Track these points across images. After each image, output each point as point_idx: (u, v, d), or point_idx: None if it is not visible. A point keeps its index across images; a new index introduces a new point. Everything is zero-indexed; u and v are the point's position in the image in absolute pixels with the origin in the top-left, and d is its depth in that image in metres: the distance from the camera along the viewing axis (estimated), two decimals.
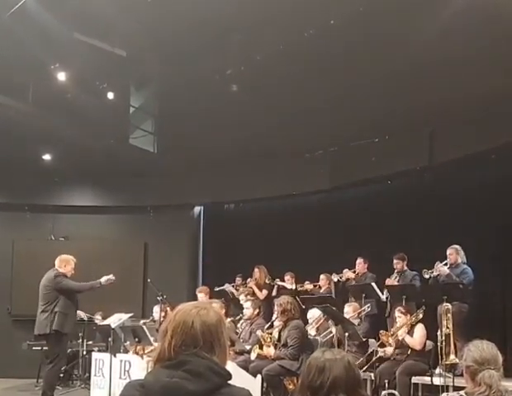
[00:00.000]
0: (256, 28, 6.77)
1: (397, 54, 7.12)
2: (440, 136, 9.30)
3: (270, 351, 7.51)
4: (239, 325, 8.72)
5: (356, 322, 7.69)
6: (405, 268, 8.72)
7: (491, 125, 8.38)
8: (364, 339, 7.38)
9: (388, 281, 8.62)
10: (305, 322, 8.10)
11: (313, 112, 8.91)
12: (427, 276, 8.05)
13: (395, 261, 8.71)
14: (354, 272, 9.28)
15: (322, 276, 9.66)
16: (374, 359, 7.05)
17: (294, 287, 9.87)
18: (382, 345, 7.17)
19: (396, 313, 7.40)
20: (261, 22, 6.65)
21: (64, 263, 7.78)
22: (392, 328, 7.38)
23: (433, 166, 9.59)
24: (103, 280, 7.90)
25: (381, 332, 7.28)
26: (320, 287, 9.70)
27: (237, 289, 10.57)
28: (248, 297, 9.22)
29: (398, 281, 8.60)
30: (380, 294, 8.42)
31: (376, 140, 10.03)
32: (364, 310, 7.96)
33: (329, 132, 9.81)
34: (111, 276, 7.92)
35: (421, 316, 7.21)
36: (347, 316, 7.70)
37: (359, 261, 9.28)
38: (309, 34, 6.77)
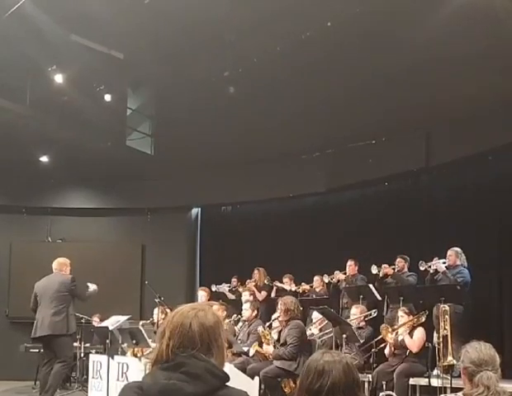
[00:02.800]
0: (253, 30, 6.77)
1: (394, 55, 7.13)
2: (437, 138, 9.31)
3: (269, 349, 7.50)
4: (237, 328, 8.71)
5: (361, 325, 7.73)
6: (405, 270, 8.73)
7: (488, 127, 8.38)
8: (362, 340, 7.37)
9: (385, 268, 8.66)
10: (306, 323, 8.11)
11: (310, 114, 8.92)
12: (422, 268, 8.05)
13: (398, 258, 8.72)
14: (345, 274, 9.27)
15: (316, 278, 9.63)
16: (372, 351, 7.04)
17: (293, 289, 9.85)
18: (382, 340, 7.18)
19: (399, 313, 7.39)
20: (258, 24, 6.66)
21: (66, 266, 7.82)
22: (394, 326, 7.38)
23: (429, 167, 9.60)
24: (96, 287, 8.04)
25: (382, 326, 7.27)
26: (314, 289, 9.70)
27: (232, 292, 10.56)
28: (251, 297, 9.22)
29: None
30: (377, 295, 8.42)
31: (373, 142, 10.04)
32: (371, 314, 7.95)
33: (326, 134, 9.81)
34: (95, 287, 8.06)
35: (423, 319, 7.20)
36: (353, 317, 7.71)
37: (350, 263, 9.25)
38: (306, 36, 6.77)
